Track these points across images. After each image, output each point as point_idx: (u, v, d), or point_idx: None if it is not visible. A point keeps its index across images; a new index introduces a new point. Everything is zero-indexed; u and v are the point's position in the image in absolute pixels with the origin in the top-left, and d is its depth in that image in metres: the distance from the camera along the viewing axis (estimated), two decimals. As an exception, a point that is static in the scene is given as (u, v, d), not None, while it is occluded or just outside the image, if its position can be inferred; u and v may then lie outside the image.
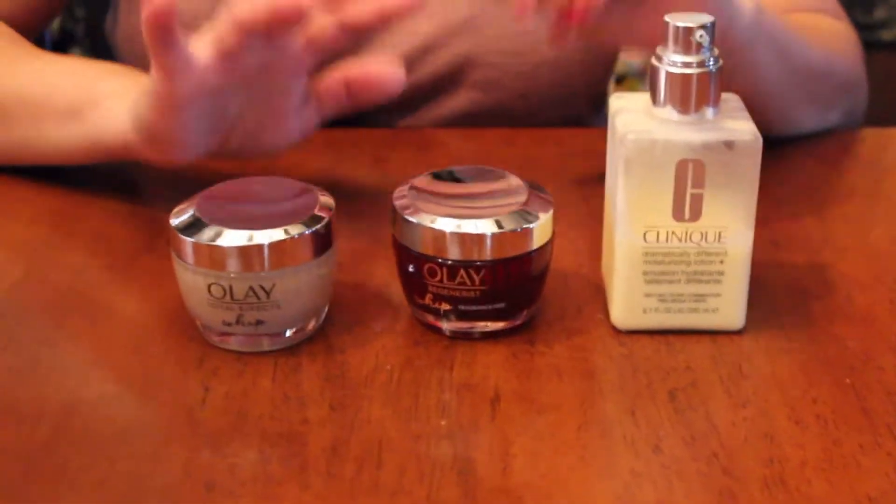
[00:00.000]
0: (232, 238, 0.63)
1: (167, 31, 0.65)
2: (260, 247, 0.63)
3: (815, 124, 0.91)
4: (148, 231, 0.78)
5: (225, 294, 0.63)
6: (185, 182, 0.78)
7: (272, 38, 0.69)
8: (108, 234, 0.78)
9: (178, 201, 0.67)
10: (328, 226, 0.65)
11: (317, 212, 0.65)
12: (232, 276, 0.63)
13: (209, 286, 0.63)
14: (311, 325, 0.67)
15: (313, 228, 0.64)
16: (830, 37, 0.92)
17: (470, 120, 0.95)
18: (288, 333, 0.66)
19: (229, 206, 0.66)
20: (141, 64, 0.93)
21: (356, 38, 0.72)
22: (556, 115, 0.96)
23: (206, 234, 0.63)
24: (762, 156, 0.64)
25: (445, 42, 0.92)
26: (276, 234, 0.63)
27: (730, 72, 0.67)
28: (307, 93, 0.74)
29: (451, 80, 0.94)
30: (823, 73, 0.89)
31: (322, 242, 0.65)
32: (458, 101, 0.94)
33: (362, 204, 0.81)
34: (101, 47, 1.04)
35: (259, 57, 0.70)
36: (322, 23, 0.70)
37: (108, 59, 0.86)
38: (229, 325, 0.64)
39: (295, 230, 0.63)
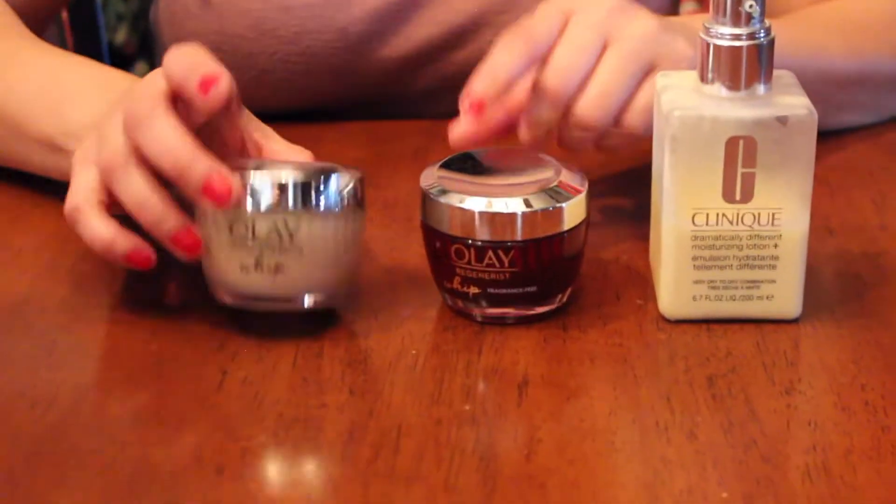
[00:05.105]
0: (260, 178, 0.61)
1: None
2: (286, 186, 0.61)
3: (866, 121, 0.86)
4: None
5: (247, 231, 0.61)
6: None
7: None
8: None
9: None
10: (360, 184, 0.63)
11: (347, 170, 0.63)
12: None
13: (230, 226, 0.61)
14: (333, 295, 0.64)
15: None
16: (866, 29, 0.84)
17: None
18: (307, 301, 0.63)
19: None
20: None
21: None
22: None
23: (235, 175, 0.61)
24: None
25: (490, 21, 0.88)
26: (305, 177, 0.61)
27: None
28: None
29: None
30: (858, 80, 0.83)
31: (352, 198, 0.62)
32: None
33: (400, 194, 0.78)
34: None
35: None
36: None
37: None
38: (247, 270, 0.62)
39: (325, 175, 0.62)
